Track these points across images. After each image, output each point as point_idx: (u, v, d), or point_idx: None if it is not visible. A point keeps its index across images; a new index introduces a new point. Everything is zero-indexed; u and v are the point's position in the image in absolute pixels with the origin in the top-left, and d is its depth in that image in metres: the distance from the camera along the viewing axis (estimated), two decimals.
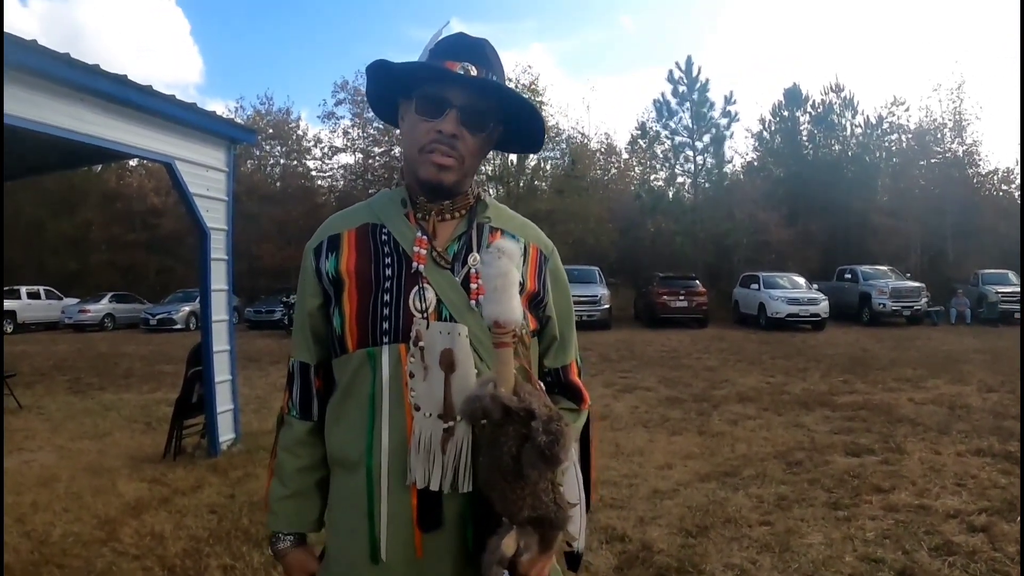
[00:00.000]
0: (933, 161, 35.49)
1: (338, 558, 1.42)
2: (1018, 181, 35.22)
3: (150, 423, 7.87)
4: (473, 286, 1.37)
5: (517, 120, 1.46)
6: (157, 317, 24.47)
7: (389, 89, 1.46)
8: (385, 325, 1.35)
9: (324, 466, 1.48)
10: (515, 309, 1.22)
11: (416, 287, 1.36)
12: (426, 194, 1.42)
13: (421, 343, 1.31)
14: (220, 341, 6.67)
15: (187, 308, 24.60)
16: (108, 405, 9.09)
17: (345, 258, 1.42)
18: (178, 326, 24.06)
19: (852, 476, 5.62)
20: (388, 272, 1.38)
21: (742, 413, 8.44)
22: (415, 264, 1.37)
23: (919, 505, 4.88)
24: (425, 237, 1.39)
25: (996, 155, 60.89)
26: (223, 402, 6.64)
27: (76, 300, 26.43)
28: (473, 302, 1.36)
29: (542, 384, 1.43)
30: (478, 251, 1.41)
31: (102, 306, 25.72)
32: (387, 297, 1.36)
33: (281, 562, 1.51)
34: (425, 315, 1.34)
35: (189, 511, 4.88)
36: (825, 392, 9.87)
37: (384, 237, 1.42)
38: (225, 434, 6.63)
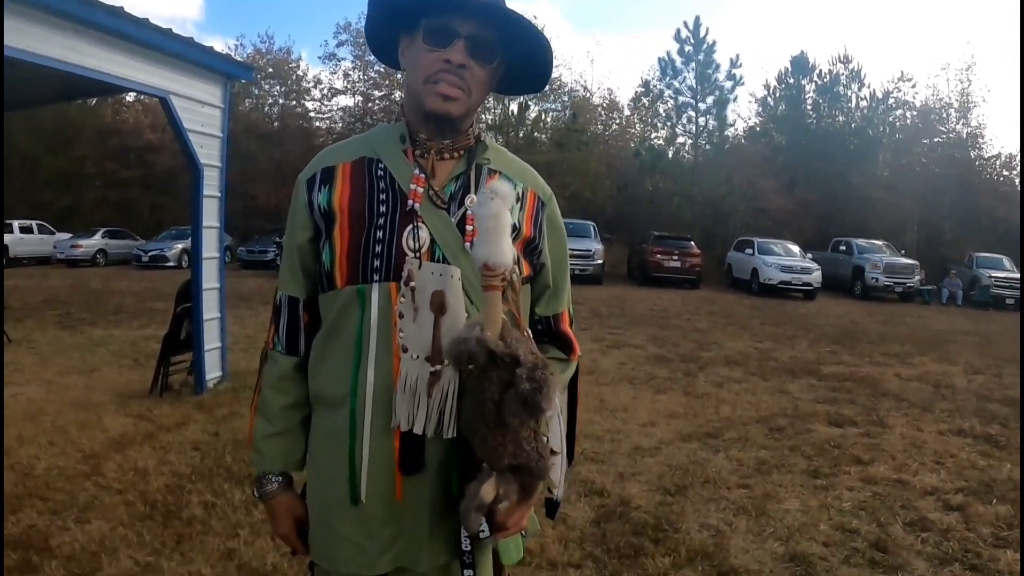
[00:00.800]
0: (936, 140, 35.39)
1: (318, 498, 1.41)
2: (1019, 168, 35.19)
3: (138, 359, 7.85)
4: (469, 228, 1.34)
5: (523, 55, 1.41)
6: (150, 254, 24.37)
7: (390, 22, 1.41)
8: (376, 263, 1.32)
9: (309, 404, 1.46)
10: (505, 252, 1.20)
11: (410, 225, 1.33)
12: (428, 130, 1.38)
13: (412, 283, 1.29)
14: (210, 279, 6.64)
15: (180, 245, 24.44)
16: (97, 340, 9.06)
17: (339, 192, 1.38)
18: (171, 263, 23.95)
19: (833, 446, 5.66)
20: (382, 208, 1.35)
21: (728, 376, 8.48)
22: (410, 202, 1.34)
23: (897, 480, 4.92)
24: (423, 175, 1.36)
25: (1000, 139, 60.65)
26: (211, 340, 6.63)
27: (69, 235, 26.23)
28: (468, 244, 1.33)
29: (530, 331, 1.41)
30: (476, 193, 1.37)
31: (95, 241, 25.55)
32: (380, 234, 1.33)
33: (267, 504, 1.49)
34: (418, 255, 1.31)
35: (173, 447, 4.89)
36: (812, 361, 9.92)
37: (380, 172, 1.38)
38: (212, 372, 6.64)
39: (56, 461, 4.50)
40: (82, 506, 3.84)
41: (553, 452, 1.30)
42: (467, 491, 1.25)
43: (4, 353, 7.71)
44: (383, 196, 1.36)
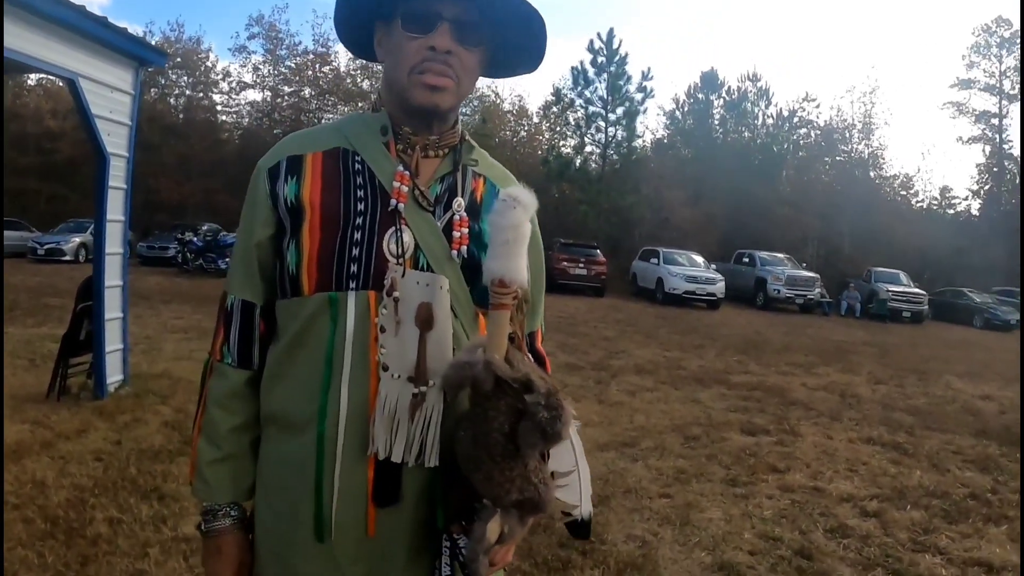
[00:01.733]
0: (838, 159, 36.91)
1: (273, 534, 1.24)
2: (916, 188, 37.23)
3: (34, 359, 7.35)
4: (456, 234, 1.22)
5: (513, 33, 1.28)
6: (46, 247, 23.05)
7: (363, 10, 1.27)
8: (353, 268, 1.17)
9: (259, 424, 1.29)
10: (522, 268, 1.09)
11: (392, 228, 1.19)
12: (413, 124, 1.25)
13: (396, 293, 1.15)
14: (113, 276, 6.24)
15: (78, 239, 23.27)
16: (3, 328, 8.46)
17: (308, 185, 1.21)
18: (67, 257, 22.72)
19: (748, 454, 5.76)
20: (360, 207, 1.20)
21: (640, 384, 8.56)
22: (394, 201, 1.19)
23: (813, 487, 5.04)
24: (407, 173, 1.21)
25: (899, 160, 64.06)
26: (112, 341, 6.24)
27: None
28: (454, 252, 1.21)
29: (530, 355, 1.28)
30: (462, 195, 1.26)
31: None
32: (357, 236, 1.18)
33: (212, 542, 1.27)
34: (401, 261, 1.18)
35: (73, 457, 4.55)
36: (721, 370, 10.12)
37: (358, 166, 1.23)
38: (113, 375, 6.25)
39: None
40: None
41: (566, 473, 1.22)
42: (473, 533, 1.12)
43: None
44: (361, 193, 1.21)
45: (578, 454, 1.31)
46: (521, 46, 1.32)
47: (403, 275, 1.16)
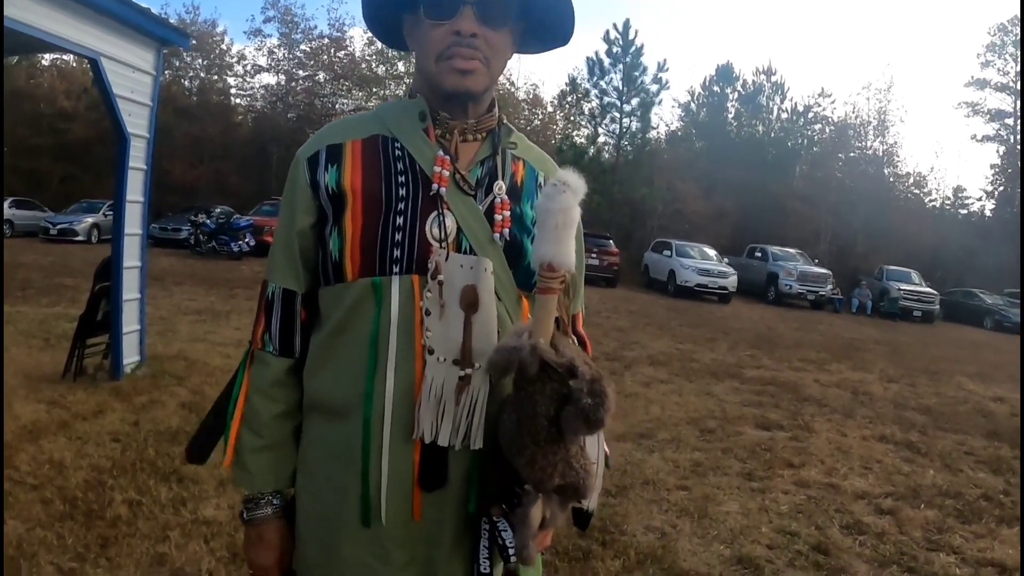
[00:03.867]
0: (852, 155, 36.68)
1: (317, 520, 1.24)
2: (929, 187, 36.91)
3: (48, 339, 7.37)
4: (498, 217, 1.21)
5: (541, 6, 1.27)
6: (58, 227, 23.10)
7: (389, 3, 1.27)
8: (396, 252, 1.16)
9: (300, 412, 1.29)
10: (571, 252, 1.08)
11: (435, 212, 1.18)
12: (449, 109, 1.24)
13: (440, 276, 1.15)
14: (131, 256, 6.24)
15: (90, 219, 23.34)
16: (4, 318, 8.48)
17: (349, 171, 1.21)
18: (79, 238, 22.79)
19: (764, 449, 5.74)
20: (402, 192, 1.19)
21: (654, 376, 8.54)
22: (435, 186, 1.18)
23: (828, 483, 5.02)
24: (448, 157, 1.21)
25: (913, 158, 63.73)
26: (130, 322, 6.25)
27: None
28: (497, 235, 1.20)
29: (575, 338, 1.28)
30: (503, 178, 1.25)
31: None
32: (400, 220, 1.17)
33: (254, 531, 1.28)
34: (444, 245, 1.17)
35: (91, 438, 4.55)
36: (734, 364, 10.10)
37: (398, 152, 1.22)
38: (130, 356, 6.26)
39: None
40: None
41: (594, 464, 1.19)
42: (520, 519, 1.12)
43: None
44: (402, 179, 1.20)
45: (600, 447, 1.30)
46: (549, 21, 1.31)
47: (447, 258, 1.16)
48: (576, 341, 1.27)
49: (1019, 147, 34.61)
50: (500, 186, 1.24)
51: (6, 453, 4.15)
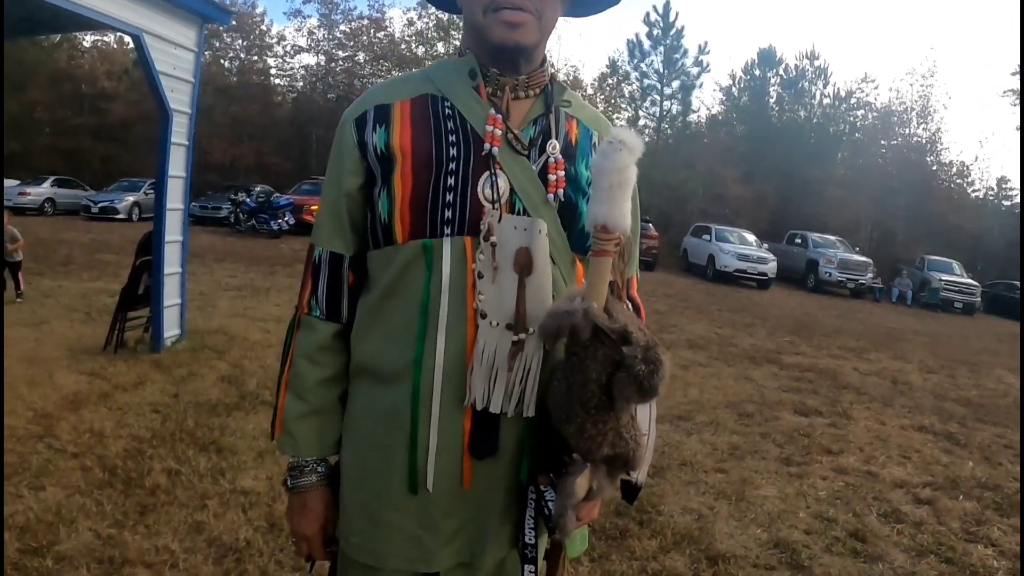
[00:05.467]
0: (894, 143, 36.00)
1: (361, 486, 1.22)
2: (972, 176, 36.03)
3: (90, 313, 7.49)
4: (551, 178, 1.18)
5: None
6: (99, 205, 23.45)
7: None
8: (448, 213, 1.13)
9: (347, 377, 1.27)
10: (627, 214, 1.05)
11: (487, 172, 1.14)
12: (499, 64, 1.20)
13: (493, 238, 1.11)
14: (173, 231, 6.33)
15: (131, 198, 23.67)
16: (46, 292, 8.61)
17: (398, 132, 1.17)
18: (120, 215, 23.11)
19: (802, 435, 5.67)
20: (453, 152, 1.15)
21: (692, 359, 8.48)
22: (487, 145, 1.14)
23: (867, 471, 4.94)
24: (500, 116, 1.17)
25: (957, 145, 62.20)
26: (171, 295, 6.34)
27: (17, 182, 25.13)
28: (551, 195, 1.17)
29: (630, 304, 1.24)
30: (556, 138, 1.21)
31: (43, 190, 24.40)
32: (451, 181, 1.14)
33: (298, 497, 1.26)
34: (497, 206, 1.13)
35: (131, 409, 4.62)
36: (772, 350, 9.98)
37: (448, 111, 1.19)
38: (170, 329, 6.36)
39: (6, 420, 4.18)
40: (35, 471, 3.58)
41: (643, 435, 1.15)
42: (562, 488, 1.10)
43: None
44: (453, 138, 1.16)
45: (652, 419, 1.27)
46: None
47: (500, 220, 1.13)
48: (631, 307, 1.24)
49: (1020, 144, 33.66)
50: (554, 145, 1.20)
51: (48, 422, 4.25)
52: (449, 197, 1.14)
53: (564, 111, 1.27)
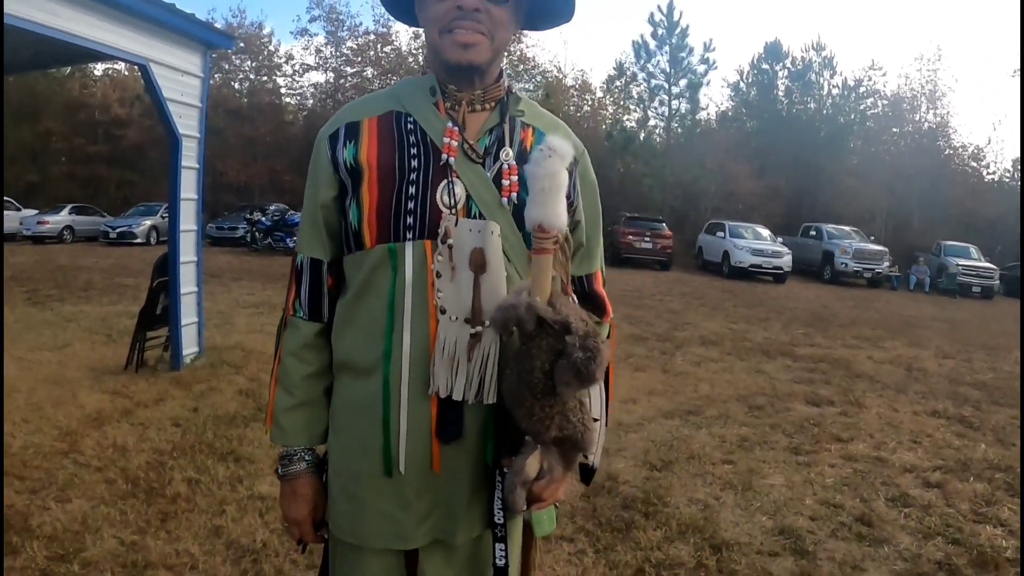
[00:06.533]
0: (906, 130, 35.71)
1: (344, 470, 1.34)
2: (987, 159, 35.63)
3: (111, 335, 7.67)
4: (505, 183, 1.29)
5: None
6: (117, 230, 23.82)
7: None
8: (409, 220, 1.25)
9: (331, 372, 1.39)
10: (560, 214, 1.17)
11: (444, 181, 1.26)
12: (456, 81, 1.31)
13: (450, 240, 1.23)
14: (187, 252, 6.50)
15: (148, 222, 24.01)
16: (68, 316, 8.81)
17: (365, 147, 1.30)
18: (139, 240, 23.46)
19: (812, 424, 5.72)
20: (414, 163, 1.28)
21: (704, 355, 8.54)
22: (444, 156, 1.27)
23: (876, 457, 4.98)
24: (456, 128, 1.29)
25: (967, 128, 61.48)
26: (188, 314, 6.50)
27: (35, 211, 25.50)
28: (505, 200, 1.28)
29: (575, 296, 1.35)
30: (511, 146, 1.32)
31: (61, 218, 24.78)
32: (412, 190, 1.26)
33: (288, 485, 1.38)
34: (454, 211, 1.25)
35: (152, 424, 4.78)
36: (786, 342, 10.01)
37: (410, 126, 1.31)
38: (189, 347, 6.51)
39: (32, 439, 4.35)
40: (61, 484, 3.72)
41: (594, 420, 1.25)
42: (512, 466, 1.20)
43: None
44: (414, 151, 1.29)
45: (603, 406, 1.37)
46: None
47: (456, 223, 1.24)
48: (576, 300, 1.33)
49: (1020, 141, 33.32)
50: (507, 152, 1.31)
51: (73, 439, 4.40)
52: (411, 204, 1.26)
53: (520, 120, 1.37)
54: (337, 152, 1.32)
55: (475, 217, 1.26)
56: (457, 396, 1.22)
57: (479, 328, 1.22)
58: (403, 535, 1.29)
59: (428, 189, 1.26)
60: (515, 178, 1.29)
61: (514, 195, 1.29)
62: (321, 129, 1.39)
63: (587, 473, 1.42)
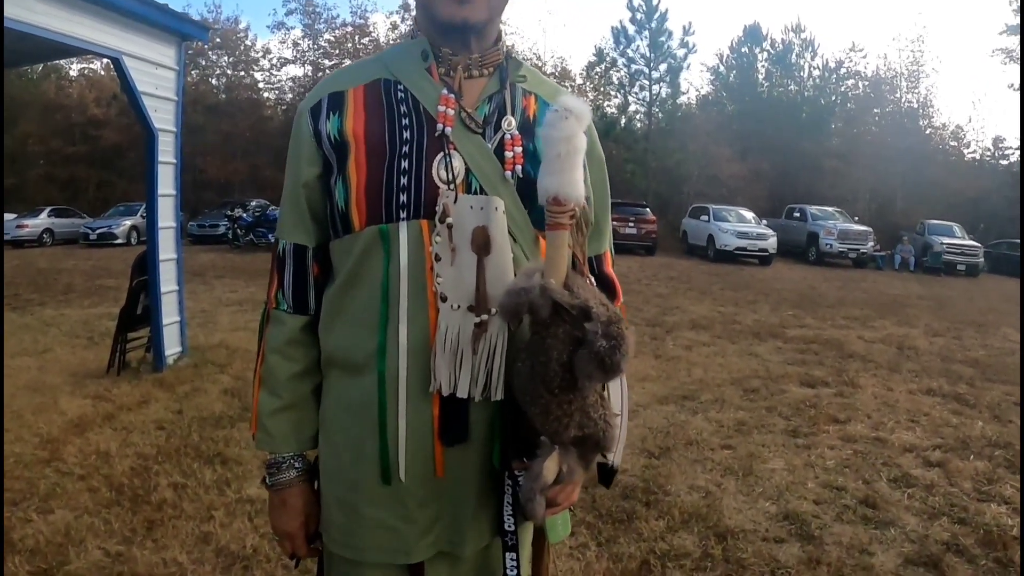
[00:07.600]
0: (887, 110, 35.86)
1: (338, 479, 1.20)
2: (967, 138, 35.79)
3: (92, 338, 7.51)
4: (508, 154, 1.14)
5: None
6: (97, 231, 23.53)
7: None
8: (403, 197, 1.11)
9: (320, 370, 1.25)
10: (578, 183, 1.02)
11: (441, 153, 1.12)
12: (451, 43, 1.17)
13: (449, 219, 1.09)
14: (167, 250, 6.34)
15: (128, 222, 23.74)
16: (48, 321, 8.62)
17: (351, 118, 1.15)
18: (119, 240, 23.18)
19: (808, 406, 5.67)
20: (406, 135, 1.13)
21: (695, 340, 8.48)
22: (440, 125, 1.12)
23: (875, 438, 4.94)
24: (452, 95, 1.14)
25: (948, 108, 61.86)
26: (169, 314, 6.34)
27: (14, 215, 25.12)
28: (508, 172, 1.14)
29: (592, 278, 1.21)
30: (512, 114, 1.18)
31: (40, 221, 24.44)
32: (405, 164, 1.11)
33: (277, 496, 1.24)
34: (452, 186, 1.11)
35: (135, 428, 4.63)
36: (776, 324, 9.97)
37: (400, 95, 1.16)
38: (171, 347, 6.36)
39: (12, 448, 4.19)
40: (43, 495, 3.58)
41: (616, 415, 1.12)
42: (529, 471, 1.06)
43: None
44: (406, 121, 1.14)
45: (624, 399, 1.22)
46: None
47: (455, 200, 1.10)
48: (593, 282, 1.20)
49: (1020, 138, 33.50)
50: (510, 121, 1.17)
51: (54, 447, 4.25)
52: (404, 180, 1.12)
53: (521, 87, 1.24)
54: (320, 125, 1.18)
55: (476, 193, 1.12)
56: (461, 393, 1.09)
57: (484, 316, 1.08)
58: (405, 549, 1.16)
59: (423, 163, 1.12)
60: (519, 149, 1.16)
61: (518, 168, 1.15)
62: (301, 103, 1.24)
63: (607, 474, 1.27)
